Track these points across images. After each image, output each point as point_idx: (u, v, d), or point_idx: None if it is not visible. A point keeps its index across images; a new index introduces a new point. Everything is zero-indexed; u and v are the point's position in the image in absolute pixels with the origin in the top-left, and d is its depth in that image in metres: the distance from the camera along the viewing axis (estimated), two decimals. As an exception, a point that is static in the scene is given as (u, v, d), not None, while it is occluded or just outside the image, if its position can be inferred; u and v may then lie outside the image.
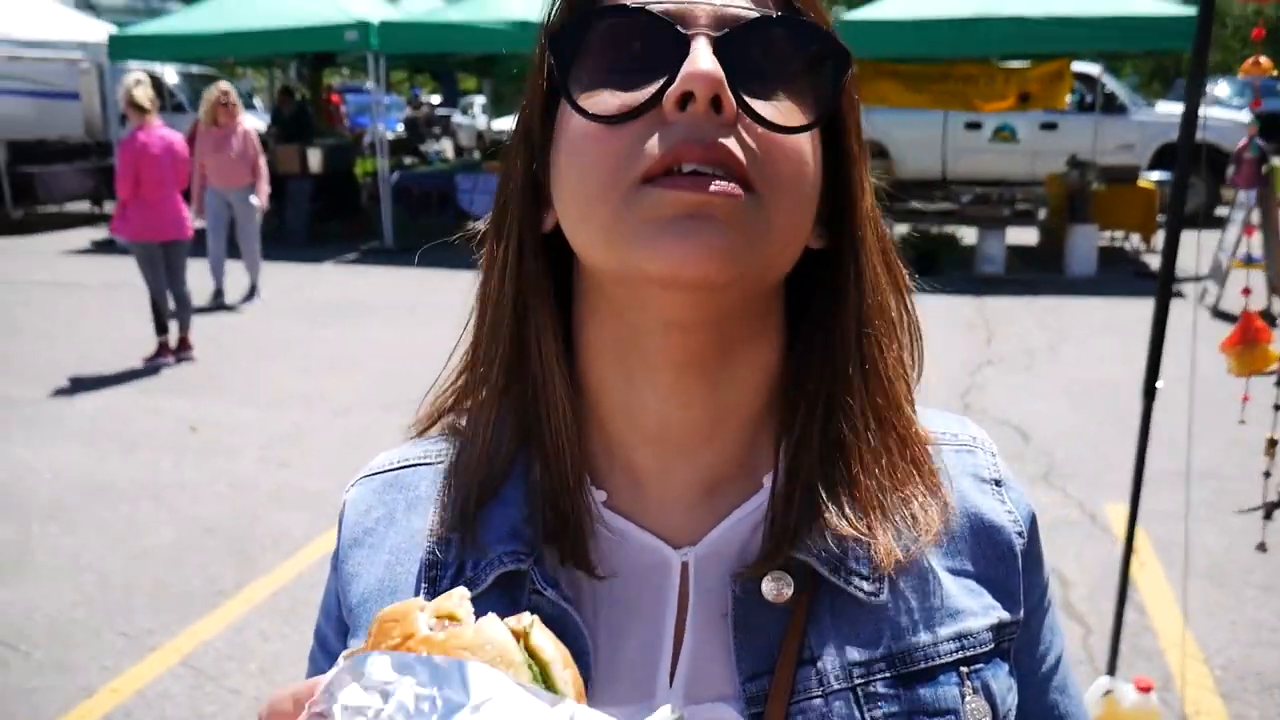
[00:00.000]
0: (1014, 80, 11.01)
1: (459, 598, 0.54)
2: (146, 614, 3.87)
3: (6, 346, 7.93)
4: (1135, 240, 12.22)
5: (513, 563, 0.68)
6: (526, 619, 0.54)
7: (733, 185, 0.59)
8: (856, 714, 0.65)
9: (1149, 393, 2.91)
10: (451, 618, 0.52)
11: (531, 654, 0.52)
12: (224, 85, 9.11)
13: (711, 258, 0.59)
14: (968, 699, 0.67)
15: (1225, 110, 14.07)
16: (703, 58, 0.59)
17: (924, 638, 0.68)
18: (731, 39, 0.61)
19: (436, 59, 17.44)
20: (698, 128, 0.59)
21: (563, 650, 0.54)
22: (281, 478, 5.24)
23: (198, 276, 8.00)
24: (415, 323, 8.60)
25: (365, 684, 0.47)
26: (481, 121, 24.96)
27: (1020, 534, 0.74)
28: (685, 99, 0.59)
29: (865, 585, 0.66)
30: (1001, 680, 0.70)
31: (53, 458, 5.52)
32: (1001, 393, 6.59)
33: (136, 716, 3.28)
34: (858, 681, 0.66)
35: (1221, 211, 12.94)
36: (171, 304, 7.39)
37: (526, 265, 0.69)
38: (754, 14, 0.62)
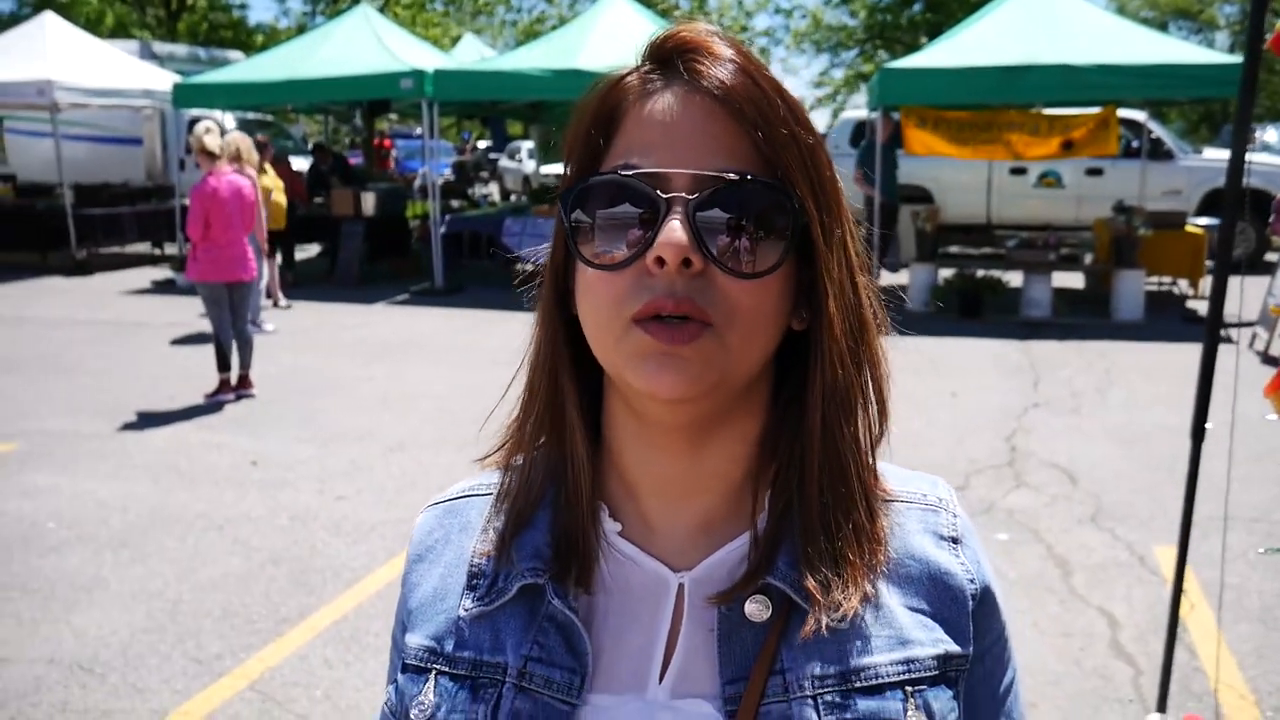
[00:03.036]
0: (1058, 127, 11.03)
1: None
2: (215, 640, 4.01)
3: (74, 383, 8.21)
4: (1183, 285, 12.16)
5: (532, 577, 0.84)
6: None
7: (695, 327, 0.76)
8: (815, 717, 0.79)
9: (1197, 435, 2.96)
10: None
11: None
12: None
13: (679, 383, 0.76)
14: (909, 714, 0.80)
15: (1274, 156, 14.00)
16: (674, 226, 0.75)
17: (876, 659, 0.81)
18: (703, 198, 0.76)
19: (486, 105, 17.84)
20: (670, 283, 0.75)
21: None
22: (339, 511, 5.38)
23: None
24: (464, 362, 8.78)
25: None
26: (529, 166, 25.34)
27: (972, 581, 0.87)
28: (660, 261, 0.75)
29: (831, 613, 0.80)
30: (943, 702, 0.82)
31: (121, 491, 5.72)
32: (1048, 435, 6.60)
33: (207, 738, 3.40)
34: (818, 691, 0.79)
35: (1271, 257, 12.85)
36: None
37: (558, 349, 0.86)
38: (726, 175, 0.76)
